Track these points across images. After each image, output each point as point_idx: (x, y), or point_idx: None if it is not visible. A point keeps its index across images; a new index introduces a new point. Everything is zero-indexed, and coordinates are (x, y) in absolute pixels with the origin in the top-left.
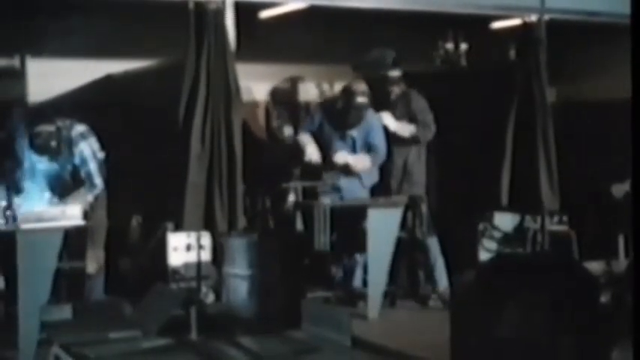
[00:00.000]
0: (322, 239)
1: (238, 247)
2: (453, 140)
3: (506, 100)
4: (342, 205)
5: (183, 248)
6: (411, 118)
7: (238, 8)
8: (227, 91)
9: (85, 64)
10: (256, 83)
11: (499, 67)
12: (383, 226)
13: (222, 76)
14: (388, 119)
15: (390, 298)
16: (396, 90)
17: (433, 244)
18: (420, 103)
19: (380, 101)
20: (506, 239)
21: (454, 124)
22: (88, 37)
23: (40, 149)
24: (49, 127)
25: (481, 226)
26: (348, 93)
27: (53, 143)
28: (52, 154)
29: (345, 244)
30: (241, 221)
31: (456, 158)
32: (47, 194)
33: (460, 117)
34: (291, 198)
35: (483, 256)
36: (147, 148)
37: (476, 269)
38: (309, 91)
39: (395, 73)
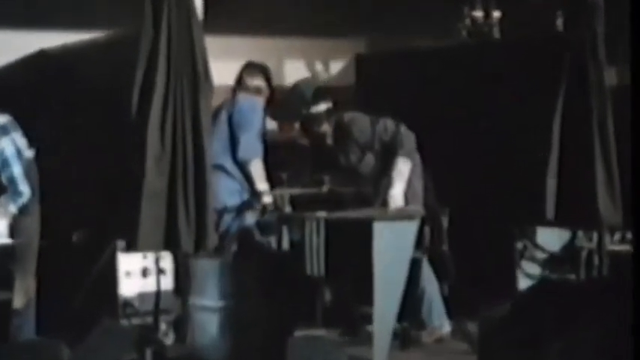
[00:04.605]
0: (315, 262)
1: (208, 272)
2: (481, 136)
3: (551, 84)
4: (341, 218)
5: (137, 273)
6: (366, 148)
7: None
8: (193, 73)
9: (10, 37)
10: (231, 62)
11: (541, 41)
12: (393, 245)
13: (186, 54)
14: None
15: (401, 337)
16: (326, 128)
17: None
18: (360, 124)
19: (318, 151)
20: (552, 262)
21: (482, 115)
22: (14, 2)
23: None
24: None
25: (520, 245)
26: None
27: None
28: None
29: (345, 267)
30: (212, 239)
31: (486, 159)
32: None
33: (490, 106)
34: (273, 209)
35: (522, 283)
36: (91, 146)
37: (512, 300)
38: (296, 72)
39: (319, 108)
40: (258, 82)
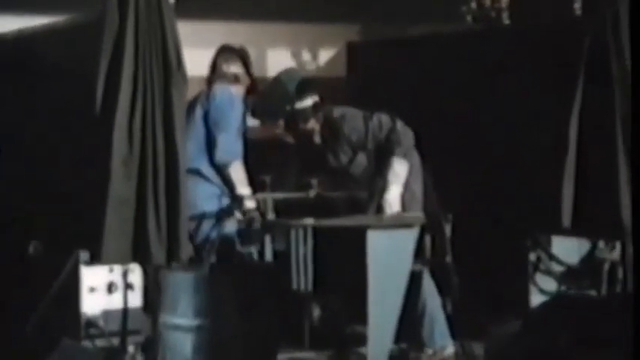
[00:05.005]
0: (302, 275)
1: (181, 287)
2: (488, 133)
3: (567, 74)
4: (331, 226)
5: (102, 289)
6: (358, 147)
7: None
8: (164, 62)
9: None
10: (206, 50)
11: (557, 26)
12: (389, 256)
13: (156, 41)
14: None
15: None
16: (313, 125)
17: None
18: (351, 120)
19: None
20: (569, 275)
21: (489, 110)
22: None
23: None
24: None
25: (532, 257)
26: None
27: None
28: None
29: (335, 281)
30: (186, 250)
31: (494, 159)
32: None
33: (498, 100)
34: (256, 215)
35: (535, 299)
36: (50, 145)
37: (524, 319)
38: (280, 62)
39: (305, 103)
40: (235, 68)
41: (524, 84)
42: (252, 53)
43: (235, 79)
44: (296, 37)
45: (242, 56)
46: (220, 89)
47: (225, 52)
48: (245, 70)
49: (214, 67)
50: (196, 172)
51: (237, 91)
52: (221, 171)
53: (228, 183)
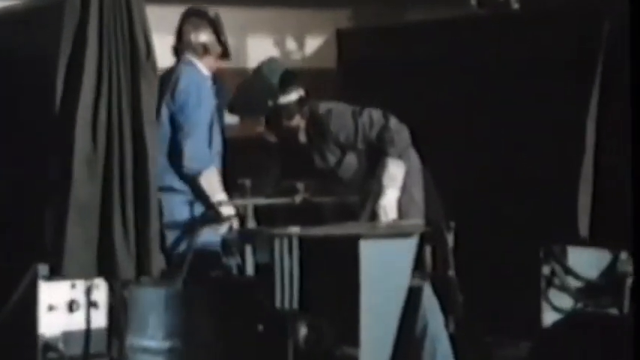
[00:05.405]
0: (287, 290)
1: (151, 305)
2: (495, 132)
3: (584, 67)
4: (319, 236)
5: (63, 307)
6: (346, 146)
7: None
8: (132, 51)
9: None
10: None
11: (574, 14)
12: (385, 269)
13: (123, 28)
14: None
15: None
16: (298, 121)
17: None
18: (339, 116)
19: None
20: (587, 291)
21: (496, 106)
22: None
23: None
24: None
25: (546, 270)
26: None
27: None
28: None
29: (324, 298)
30: (157, 263)
31: (502, 160)
32: None
33: (506, 95)
34: (235, 224)
35: (548, 317)
36: (3, 145)
37: (535, 339)
38: (262, 52)
39: (288, 98)
40: (205, 37)
41: (535, 77)
42: (231, 42)
43: (204, 49)
44: (280, 24)
45: (212, 22)
46: (185, 77)
47: (193, 17)
48: (216, 38)
49: (180, 35)
50: (168, 189)
51: (206, 65)
52: (191, 183)
53: (200, 195)
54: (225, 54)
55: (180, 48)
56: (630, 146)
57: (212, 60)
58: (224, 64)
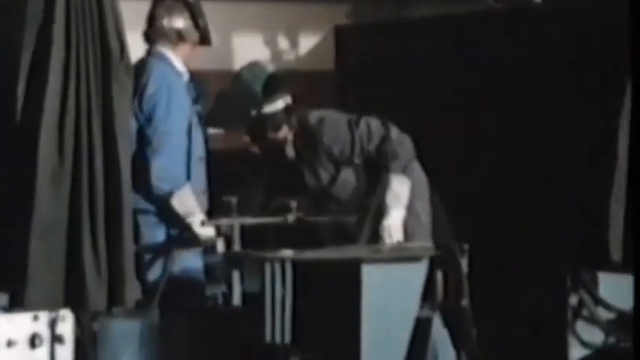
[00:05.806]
0: (278, 322)
1: (125, 339)
2: (513, 141)
3: (614, 66)
4: (315, 260)
5: (24, 342)
6: (341, 161)
7: None
8: (104, 51)
9: None
10: None
11: (599, 5)
12: (390, 297)
13: (93, 24)
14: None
15: None
16: (286, 133)
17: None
18: (332, 126)
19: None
20: (620, 323)
21: (514, 112)
22: None
23: None
24: None
25: (573, 300)
26: None
27: None
28: None
29: (320, 330)
30: (131, 292)
31: (520, 175)
32: None
33: (525, 98)
34: (220, 246)
35: (575, 353)
36: None
37: None
38: (251, 51)
39: (274, 107)
40: (180, 23)
41: (560, 78)
42: (215, 40)
43: (179, 36)
44: (270, 20)
45: (189, 5)
46: (155, 79)
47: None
48: (193, 23)
49: (152, 20)
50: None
51: (181, 55)
52: (161, 204)
53: (172, 217)
54: (203, 40)
55: (151, 35)
56: None
57: (188, 48)
58: (207, 65)
